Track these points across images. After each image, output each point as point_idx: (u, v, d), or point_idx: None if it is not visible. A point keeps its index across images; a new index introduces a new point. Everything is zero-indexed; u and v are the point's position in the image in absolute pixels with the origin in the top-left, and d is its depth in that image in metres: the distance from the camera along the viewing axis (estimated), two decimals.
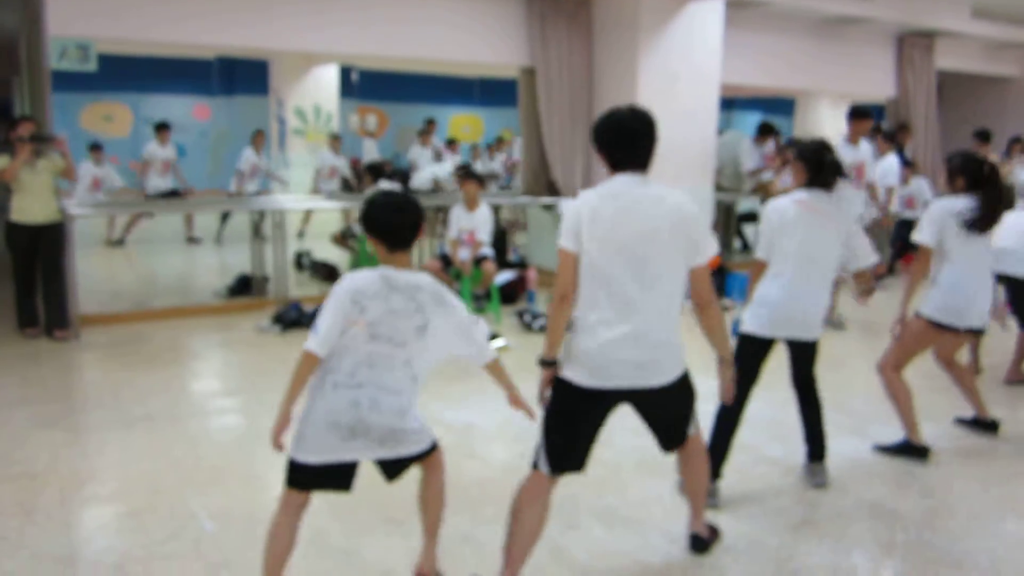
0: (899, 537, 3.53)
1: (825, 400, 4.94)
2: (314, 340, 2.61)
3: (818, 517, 3.70)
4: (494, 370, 2.89)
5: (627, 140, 2.88)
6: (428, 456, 2.85)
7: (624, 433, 4.67)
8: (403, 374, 2.69)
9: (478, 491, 3.90)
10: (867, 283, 3.98)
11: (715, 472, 3.79)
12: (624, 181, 2.87)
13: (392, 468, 2.84)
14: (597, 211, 2.81)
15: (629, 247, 2.81)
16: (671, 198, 2.88)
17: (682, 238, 2.86)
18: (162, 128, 11.70)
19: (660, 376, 2.93)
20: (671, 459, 4.25)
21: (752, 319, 3.85)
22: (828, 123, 16.51)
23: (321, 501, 3.75)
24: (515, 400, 2.90)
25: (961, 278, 4.34)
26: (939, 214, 4.33)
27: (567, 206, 2.89)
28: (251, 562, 3.17)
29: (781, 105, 19.79)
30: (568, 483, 3.94)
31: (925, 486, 4.08)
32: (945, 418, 4.98)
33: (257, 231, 8.39)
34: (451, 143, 14.09)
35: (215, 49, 15.09)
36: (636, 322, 2.84)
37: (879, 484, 4.09)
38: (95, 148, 11.46)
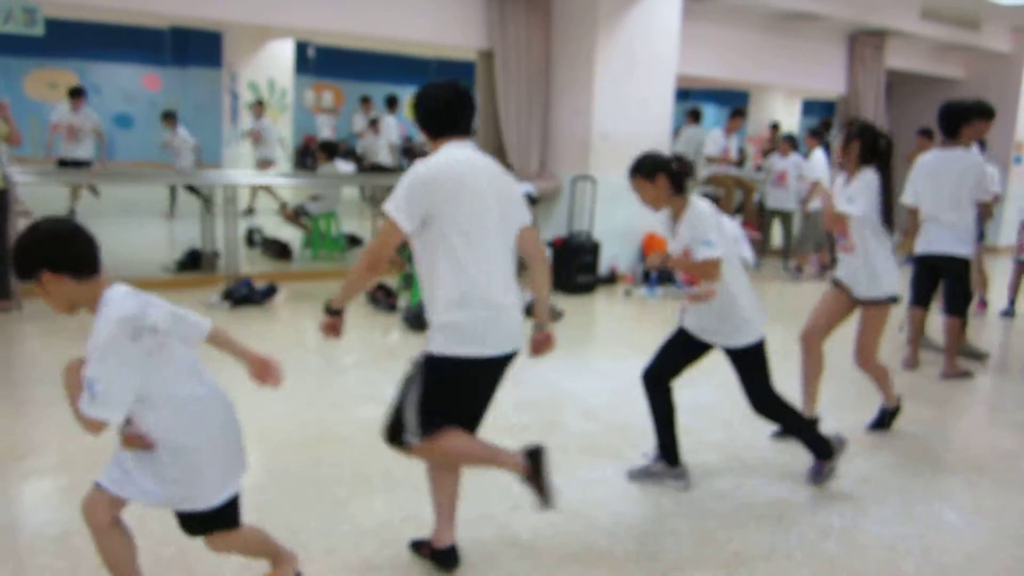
0: (835, 521, 3.64)
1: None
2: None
3: (757, 501, 3.80)
4: (219, 336, 2.58)
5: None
6: None
7: (574, 417, 4.74)
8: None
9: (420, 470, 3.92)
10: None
11: (674, 458, 3.88)
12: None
13: None
14: None
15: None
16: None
17: None
18: (76, 93, 11.31)
19: None
20: (616, 442, 4.33)
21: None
22: (780, 117, 16.78)
23: (267, 478, 3.75)
24: (253, 353, 2.60)
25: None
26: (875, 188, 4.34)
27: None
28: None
29: (735, 97, 20.04)
30: None
31: (860, 473, 4.20)
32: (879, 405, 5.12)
33: (207, 206, 8.27)
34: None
35: (167, 18, 14.79)
36: None
37: None
38: None
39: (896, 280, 4.45)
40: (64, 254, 2.23)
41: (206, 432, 2.39)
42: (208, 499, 2.43)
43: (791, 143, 10.31)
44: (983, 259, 7.07)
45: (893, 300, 4.45)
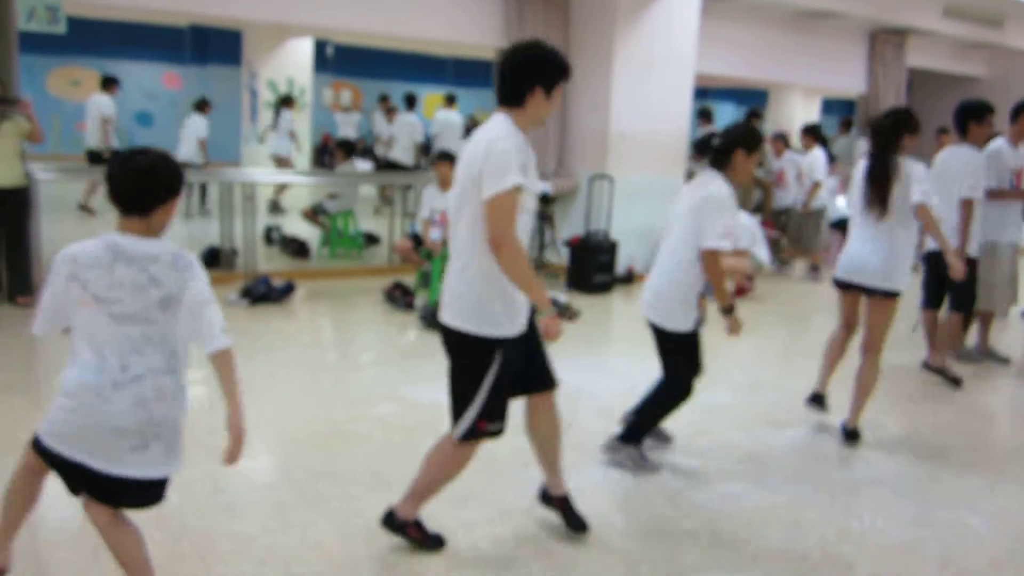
0: (854, 524, 3.61)
1: (774, 386, 5.01)
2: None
3: (775, 503, 3.78)
4: (221, 363, 2.41)
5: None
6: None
7: (590, 416, 4.72)
8: (162, 353, 2.39)
9: None
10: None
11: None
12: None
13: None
14: None
15: None
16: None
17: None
18: (114, 82, 11.40)
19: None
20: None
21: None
22: (799, 115, 16.69)
23: (282, 476, 3.76)
24: (234, 415, 2.41)
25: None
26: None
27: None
28: (213, 532, 3.18)
29: (754, 96, 19.95)
30: (532, 465, 3.99)
31: (879, 476, 4.17)
32: (900, 406, 5.08)
33: (222, 203, 8.31)
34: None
35: (188, 16, 14.87)
36: None
37: (835, 471, 4.18)
38: None
39: (841, 264, 4.60)
40: (111, 184, 2.33)
41: (70, 394, 2.34)
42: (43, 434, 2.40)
43: (784, 141, 10.26)
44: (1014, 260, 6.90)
45: (835, 281, 4.66)
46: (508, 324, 2.92)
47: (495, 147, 2.79)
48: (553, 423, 3.26)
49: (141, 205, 2.31)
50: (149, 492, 2.46)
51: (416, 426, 4.45)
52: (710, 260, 3.72)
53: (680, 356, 3.90)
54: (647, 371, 5.47)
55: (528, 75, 2.87)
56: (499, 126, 2.88)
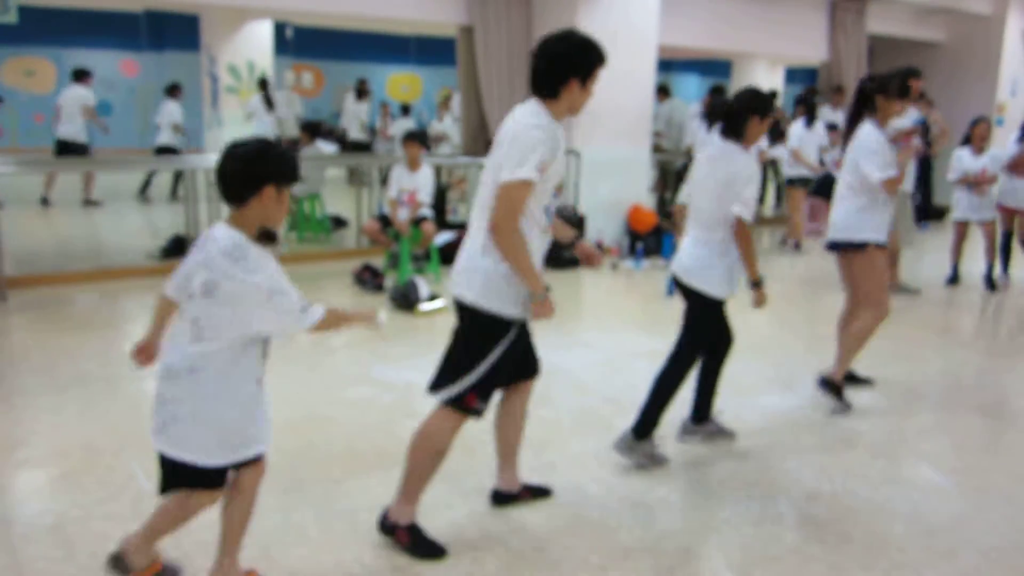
0: (824, 487, 3.69)
1: (760, 355, 5.08)
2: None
3: (746, 468, 3.84)
4: (328, 324, 2.50)
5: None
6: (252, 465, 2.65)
7: (565, 391, 4.76)
8: (186, 331, 2.43)
9: None
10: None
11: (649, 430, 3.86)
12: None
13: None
14: None
15: None
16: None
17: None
18: (86, 74, 11.36)
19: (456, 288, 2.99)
20: (607, 414, 4.35)
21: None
22: (763, 85, 16.76)
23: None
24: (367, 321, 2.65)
25: None
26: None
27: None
28: (190, 523, 3.17)
29: (718, 67, 19.98)
30: None
31: (848, 439, 4.25)
32: (870, 369, 5.16)
33: (174, 191, 8.20)
34: (405, 110, 14.43)
35: (142, 1, 14.59)
36: None
37: (806, 436, 4.26)
38: None
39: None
40: (216, 175, 2.47)
41: None
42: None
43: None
44: None
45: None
46: (514, 306, 2.93)
47: (524, 134, 2.82)
48: (525, 408, 3.32)
49: (232, 195, 2.38)
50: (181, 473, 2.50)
51: (391, 407, 4.47)
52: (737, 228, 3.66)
53: (707, 321, 3.79)
54: (619, 344, 5.52)
55: (563, 68, 2.86)
56: (533, 112, 2.91)
